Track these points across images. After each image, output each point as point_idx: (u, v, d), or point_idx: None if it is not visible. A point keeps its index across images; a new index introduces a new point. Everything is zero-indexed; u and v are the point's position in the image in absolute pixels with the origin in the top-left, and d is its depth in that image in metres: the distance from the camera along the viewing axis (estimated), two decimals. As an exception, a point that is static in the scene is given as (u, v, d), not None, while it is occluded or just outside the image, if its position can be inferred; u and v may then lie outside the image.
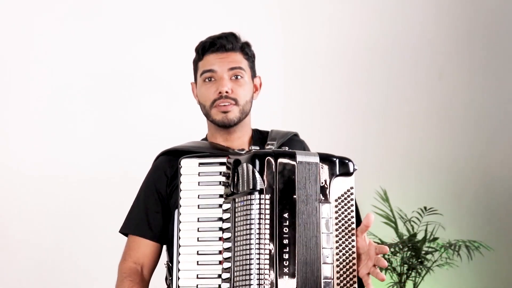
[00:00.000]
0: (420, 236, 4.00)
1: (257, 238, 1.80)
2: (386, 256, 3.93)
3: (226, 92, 2.05)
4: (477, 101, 4.57)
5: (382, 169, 4.37)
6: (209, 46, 2.10)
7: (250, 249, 1.80)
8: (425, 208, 4.02)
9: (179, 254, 1.86)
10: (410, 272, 3.96)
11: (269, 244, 1.80)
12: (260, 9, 4.23)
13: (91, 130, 3.88)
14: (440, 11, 4.57)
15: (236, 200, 1.85)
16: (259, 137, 2.18)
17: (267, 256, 1.80)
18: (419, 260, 3.95)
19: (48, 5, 3.86)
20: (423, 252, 3.97)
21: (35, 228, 3.75)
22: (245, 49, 2.13)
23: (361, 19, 4.45)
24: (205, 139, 2.19)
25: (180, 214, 1.89)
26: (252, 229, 1.81)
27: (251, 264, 1.79)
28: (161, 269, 2.13)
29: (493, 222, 4.51)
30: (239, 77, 2.08)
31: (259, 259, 1.79)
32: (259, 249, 1.80)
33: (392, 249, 3.93)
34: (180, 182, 1.91)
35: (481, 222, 4.50)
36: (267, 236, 1.80)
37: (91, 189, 3.82)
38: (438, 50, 4.55)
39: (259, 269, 1.79)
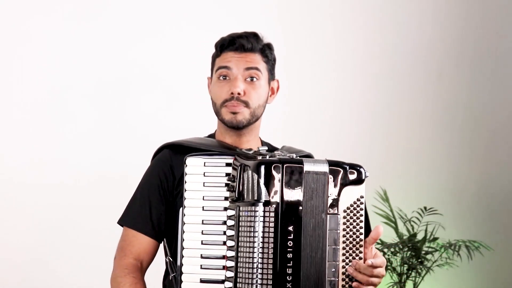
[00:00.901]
0: (420, 236, 4.00)
1: (260, 252, 1.77)
2: (386, 256, 3.94)
3: (238, 93, 2.01)
4: (476, 101, 4.58)
5: (382, 169, 4.36)
6: (228, 44, 2.06)
7: (253, 262, 1.77)
8: (425, 208, 4.02)
9: (183, 256, 1.84)
10: (410, 272, 3.96)
11: (272, 259, 1.77)
12: (260, 10, 4.23)
13: (89, 131, 3.86)
14: (441, 12, 4.57)
15: (241, 208, 1.81)
16: (269, 147, 2.12)
17: (270, 271, 1.77)
18: (419, 260, 3.95)
19: (47, 5, 3.85)
20: (423, 252, 3.97)
21: (32, 230, 3.73)
22: (265, 51, 2.08)
23: (363, 20, 4.44)
24: (213, 135, 2.15)
25: (184, 215, 1.86)
26: (255, 242, 1.78)
27: (253, 278, 1.77)
28: (161, 269, 2.11)
29: (493, 222, 4.52)
30: (254, 79, 2.04)
31: (261, 273, 1.77)
32: (262, 263, 1.77)
33: (392, 249, 3.94)
34: (185, 182, 1.87)
35: (481, 222, 4.50)
36: (271, 250, 1.77)
37: (89, 191, 3.81)
38: (438, 51, 4.55)
39: (261, 284, 1.76)
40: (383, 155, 4.41)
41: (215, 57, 2.10)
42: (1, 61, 3.76)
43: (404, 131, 4.47)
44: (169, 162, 2.05)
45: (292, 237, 1.79)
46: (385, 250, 3.93)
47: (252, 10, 4.20)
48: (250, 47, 2.05)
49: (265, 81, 2.07)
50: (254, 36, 2.08)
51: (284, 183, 1.81)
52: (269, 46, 2.10)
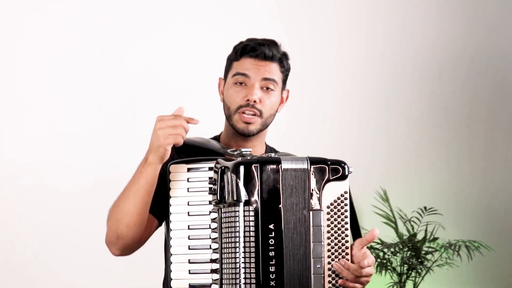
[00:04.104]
0: (420, 236, 3.99)
1: (242, 252, 1.79)
2: (386, 256, 3.94)
3: (254, 101, 2.02)
4: (476, 101, 4.57)
5: (382, 169, 4.37)
6: (250, 50, 2.06)
7: (236, 262, 1.79)
8: (425, 208, 4.01)
9: (171, 262, 1.86)
10: (410, 272, 3.95)
11: (254, 257, 1.79)
12: (262, 10, 4.23)
13: (91, 133, 3.86)
14: (442, 13, 4.57)
15: (222, 210, 1.83)
16: (273, 152, 2.14)
17: (254, 270, 1.79)
18: (419, 260, 3.94)
19: (53, 5, 3.86)
20: (423, 252, 3.97)
21: (32, 231, 3.74)
22: (283, 61, 2.10)
23: (363, 21, 4.45)
24: (218, 137, 2.16)
25: (170, 221, 1.88)
26: (237, 242, 1.80)
27: (237, 278, 1.79)
28: (159, 267, 2.13)
29: (493, 222, 4.51)
30: (270, 88, 2.05)
31: (245, 273, 1.79)
32: (244, 262, 1.79)
33: (392, 249, 3.94)
34: (170, 189, 1.89)
35: (481, 222, 4.50)
36: (253, 249, 1.79)
37: (90, 193, 3.81)
38: (438, 52, 4.54)
39: (245, 283, 1.78)
40: (383, 155, 4.41)
41: (232, 59, 2.09)
42: (2, 61, 3.78)
43: (404, 131, 4.47)
44: (173, 154, 2.04)
45: (273, 235, 1.81)
46: (385, 250, 3.93)
47: (255, 11, 4.21)
48: (271, 55, 2.05)
49: (279, 91, 2.10)
50: (274, 44, 2.09)
51: (262, 182, 1.83)
52: (286, 56, 2.12)
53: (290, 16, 4.31)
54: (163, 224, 2.00)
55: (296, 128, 4.18)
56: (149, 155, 1.89)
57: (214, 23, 4.10)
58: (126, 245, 1.93)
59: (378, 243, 3.97)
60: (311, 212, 1.84)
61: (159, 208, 1.99)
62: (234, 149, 1.99)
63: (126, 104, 3.94)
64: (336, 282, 1.84)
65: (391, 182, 4.29)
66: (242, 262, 1.79)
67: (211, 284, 1.84)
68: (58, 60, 3.84)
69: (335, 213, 1.85)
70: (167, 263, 1.88)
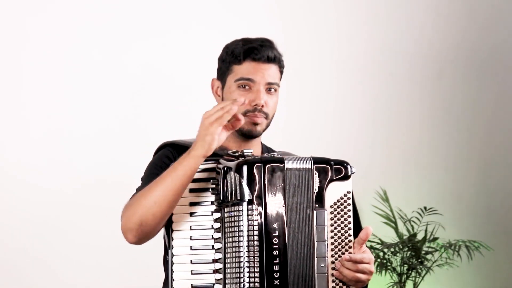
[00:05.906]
0: (420, 236, 4.00)
1: (246, 251, 1.79)
2: (386, 256, 3.94)
3: (261, 106, 2.02)
4: (476, 101, 4.58)
5: (382, 169, 4.37)
6: (253, 54, 2.04)
7: (239, 262, 1.80)
8: (425, 208, 4.02)
9: (173, 263, 1.86)
10: (410, 272, 3.96)
11: (258, 257, 1.79)
12: (262, 10, 4.23)
13: (90, 133, 3.86)
14: (442, 13, 4.58)
15: (225, 209, 1.84)
16: (269, 152, 2.13)
17: (257, 269, 1.79)
18: (419, 260, 3.95)
19: (57, 5, 3.86)
20: (423, 252, 3.98)
21: (32, 230, 3.74)
22: (281, 61, 2.09)
23: (363, 21, 4.45)
24: None
25: (172, 222, 1.87)
26: (241, 241, 1.80)
27: (241, 277, 1.79)
28: (159, 268, 2.12)
29: (493, 222, 4.52)
30: (272, 90, 2.05)
31: (249, 272, 1.79)
32: (248, 262, 1.79)
33: (392, 249, 3.94)
34: None
35: (481, 222, 4.50)
36: (257, 249, 1.80)
37: (89, 192, 3.81)
38: (438, 52, 4.55)
39: (249, 282, 1.79)
40: (384, 155, 4.42)
41: (231, 62, 2.07)
42: (5, 63, 3.78)
43: (404, 132, 4.47)
44: (171, 157, 2.04)
45: (276, 234, 1.82)
46: (385, 250, 3.94)
47: (255, 11, 4.21)
48: (272, 57, 2.05)
49: (279, 91, 2.10)
50: (272, 44, 2.08)
51: (266, 182, 1.83)
52: (281, 54, 2.11)
53: (290, 16, 4.31)
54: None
55: (296, 128, 4.19)
56: (193, 147, 1.86)
57: (214, 23, 4.10)
58: (146, 234, 1.88)
59: (378, 243, 3.98)
60: (314, 212, 1.84)
61: None
62: (235, 150, 1.98)
63: (127, 104, 3.94)
64: (340, 281, 1.85)
65: (391, 182, 4.29)
66: (246, 262, 1.79)
67: (214, 284, 1.84)
68: (60, 61, 3.84)
69: (338, 213, 1.86)
70: (168, 264, 1.88)
